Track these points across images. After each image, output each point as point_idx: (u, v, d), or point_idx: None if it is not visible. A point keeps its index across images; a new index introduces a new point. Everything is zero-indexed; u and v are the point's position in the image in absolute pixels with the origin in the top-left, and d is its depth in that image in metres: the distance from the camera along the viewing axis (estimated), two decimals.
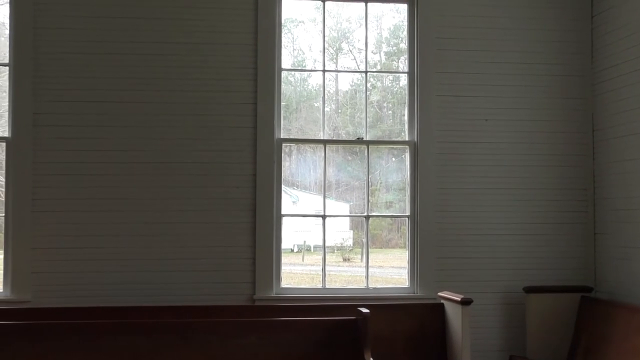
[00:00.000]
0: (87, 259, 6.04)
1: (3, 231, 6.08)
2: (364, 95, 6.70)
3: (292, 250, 9.08)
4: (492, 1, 6.58)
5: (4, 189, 6.19)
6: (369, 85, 6.88)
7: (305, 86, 7.38)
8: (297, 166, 7.11)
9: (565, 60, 6.62)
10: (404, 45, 6.87)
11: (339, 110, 7.34)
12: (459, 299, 5.58)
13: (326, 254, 6.52)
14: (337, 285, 7.73)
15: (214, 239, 6.19)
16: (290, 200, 7.49)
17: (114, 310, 5.71)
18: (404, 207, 6.66)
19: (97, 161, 6.10)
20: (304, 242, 9.27)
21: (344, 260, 9.51)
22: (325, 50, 6.67)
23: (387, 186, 7.16)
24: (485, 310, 6.34)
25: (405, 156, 6.62)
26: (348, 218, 7.92)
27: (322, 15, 6.65)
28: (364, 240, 6.67)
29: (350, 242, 9.33)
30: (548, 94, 6.59)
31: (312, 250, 9.11)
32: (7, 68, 6.13)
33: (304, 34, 7.07)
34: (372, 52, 7.21)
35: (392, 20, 7.14)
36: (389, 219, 7.66)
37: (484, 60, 6.54)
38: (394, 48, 7.34)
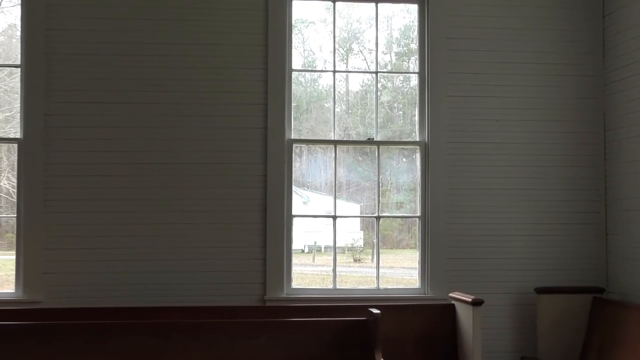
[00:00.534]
0: (98, 259, 6.06)
1: (15, 232, 6.10)
2: (374, 96, 6.70)
3: (302, 251, 9.10)
4: (502, 1, 6.55)
5: (15, 190, 6.22)
6: (379, 85, 6.87)
7: (315, 87, 7.39)
8: (307, 167, 7.12)
9: (576, 60, 6.60)
10: (414, 45, 6.86)
11: (350, 111, 7.34)
12: (470, 300, 5.56)
13: (337, 254, 6.51)
14: (348, 286, 7.75)
15: (225, 240, 6.19)
16: (301, 200, 7.51)
17: (125, 311, 5.72)
18: (415, 208, 6.65)
19: (108, 162, 6.12)
20: (315, 242, 9.29)
21: (355, 260, 9.52)
22: (336, 51, 6.67)
23: (398, 187, 7.16)
24: (496, 311, 6.32)
25: (415, 157, 6.61)
26: (359, 219, 7.94)
27: (332, 16, 6.65)
28: (375, 240, 6.66)
29: (360, 243, 9.34)
30: (559, 94, 6.57)
31: (322, 251, 9.13)
32: (19, 69, 6.15)
33: (315, 34, 7.08)
34: (382, 52, 7.21)
35: (403, 21, 7.14)
36: (399, 219, 7.67)
37: (495, 60, 6.52)
38: (405, 48, 7.34)
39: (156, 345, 4.98)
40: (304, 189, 7.48)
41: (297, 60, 6.75)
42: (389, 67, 7.22)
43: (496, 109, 6.50)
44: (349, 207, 7.80)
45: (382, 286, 6.50)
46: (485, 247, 6.42)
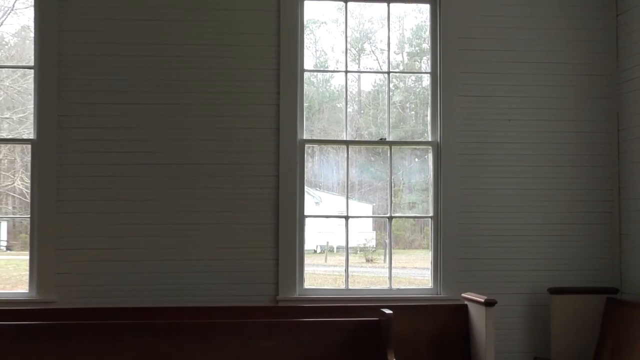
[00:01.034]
0: (112, 259, 6.08)
1: (28, 232, 6.14)
2: (386, 96, 6.69)
3: (315, 251, 9.09)
4: (514, 1, 6.53)
5: (29, 191, 6.25)
6: (391, 85, 6.86)
7: (327, 87, 7.39)
8: (319, 167, 7.11)
9: (589, 59, 6.57)
10: (426, 45, 6.85)
11: (362, 111, 7.33)
12: (483, 300, 5.54)
13: (349, 254, 6.51)
14: (360, 286, 7.73)
15: (237, 240, 6.20)
16: (313, 201, 7.51)
17: (138, 311, 5.74)
18: (427, 208, 6.64)
19: (121, 163, 6.14)
20: (327, 243, 9.27)
21: (367, 261, 9.51)
22: (348, 51, 6.66)
23: (410, 187, 7.15)
24: (509, 312, 6.30)
25: (428, 157, 6.60)
26: (371, 219, 7.92)
27: (344, 16, 6.64)
28: (387, 241, 6.65)
29: (373, 243, 9.32)
30: (572, 93, 6.54)
31: (335, 251, 9.11)
32: (32, 71, 6.18)
33: (326, 34, 7.08)
34: (394, 52, 7.20)
35: (415, 21, 7.13)
36: (412, 219, 7.65)
37: (507, 60, 6.50)
38: (417, 48, 7.33)
39: (168, 345, 5.00)
40: (316, 190, 7.47)
41: (309, 61, 6.74)
42: (401, 67, 7.21)
43: (509, 108, 6.48)
44: (361, 208, 7.78)
45: (394, 286, 6.49)
46: (498, 247, 6.40)
